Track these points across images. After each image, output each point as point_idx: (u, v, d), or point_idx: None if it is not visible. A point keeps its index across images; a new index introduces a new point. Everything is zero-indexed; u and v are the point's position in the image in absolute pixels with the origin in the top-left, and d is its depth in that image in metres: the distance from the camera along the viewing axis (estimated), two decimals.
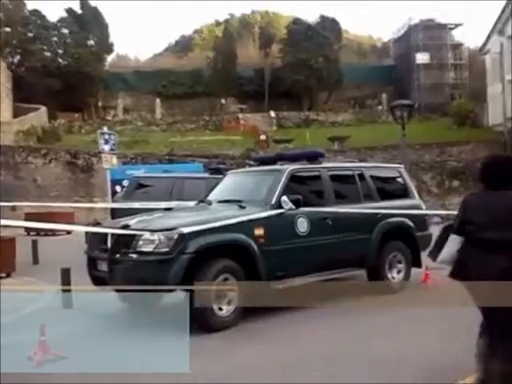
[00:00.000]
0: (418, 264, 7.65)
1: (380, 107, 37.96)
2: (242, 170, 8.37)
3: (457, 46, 41.21)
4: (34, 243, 10.77)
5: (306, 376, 4.18)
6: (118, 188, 16.31)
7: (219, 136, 30.69)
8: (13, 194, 18.87)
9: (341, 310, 6.31)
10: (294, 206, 6.09)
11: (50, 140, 28.79)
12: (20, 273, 9.27)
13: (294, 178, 6.51)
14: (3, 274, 9.11)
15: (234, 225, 5.65)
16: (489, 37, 33.83)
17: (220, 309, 5.51)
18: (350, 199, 7.10)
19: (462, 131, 29.61)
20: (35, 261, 10.51)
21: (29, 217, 15.76)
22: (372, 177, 7.49)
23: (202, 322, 5.37)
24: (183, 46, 56.28)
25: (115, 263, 5.48)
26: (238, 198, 6.41)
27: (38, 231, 15.85)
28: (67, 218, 16.64)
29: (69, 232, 15.68)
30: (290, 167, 6.62)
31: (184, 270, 5.26)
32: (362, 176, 7.37)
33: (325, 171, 6.92)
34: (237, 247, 5.71)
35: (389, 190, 7.83)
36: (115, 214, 10.01)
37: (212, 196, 7.09)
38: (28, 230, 15.89)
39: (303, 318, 5.90)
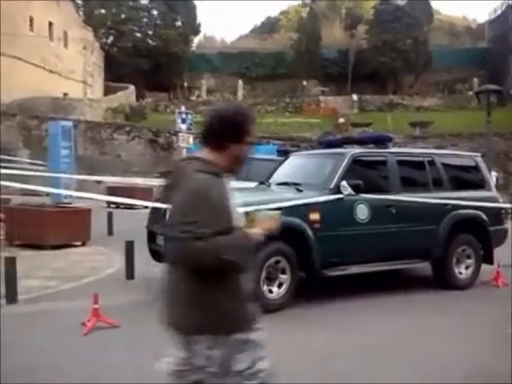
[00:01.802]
0: (489, 260, 7.15)
1: (470, 92, 35.75)
2: (305, 152, 8.20)
3: None
4: (110, 215, 11.29)
5: (340, 366, 4.04)
6: None
7: (298, 118, 30.45)
8: (98, 168, 19.93)
9: (398, 302, 6.05)
10: (353, 192, 5.87)
11: (136, 118, 30.04)
12: (95, 242, 9.77)
13: (356, 163, 6.26)
14: (79, 243, 9.66)
15: (287, 208, 5.54)
16: None
17: (270, 291, 5.47)
18: (417, 187, 6.74)
19: None
20: (110, 232, 11.03)
21: (110, 190, 16.56)
22: (444, 164, 7.04)
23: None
24: (269, 27, 56.08)
25: (168, 239, 5.57)
26: (297, 181, 6.28)
27: (118, 204, 16.59)
28: (146, 193, 17.29)
29: (146, 207, 16.28)
30: (352, 151, 6.37)
31: None
32: (432, 163, 6.95)
33: (391, 156, 6.59)
34: (290, 231, 5.59)
35: (462, 179, 7.33)
36: None
37: (273, 178, 7.02)
38: (109, 202, 16.68)
39: (354, 308, 5.73)
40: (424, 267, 7.08)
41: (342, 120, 28.06)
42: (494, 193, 7.53)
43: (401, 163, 6.65)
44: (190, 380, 2.08)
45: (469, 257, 6.98)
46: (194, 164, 2.09)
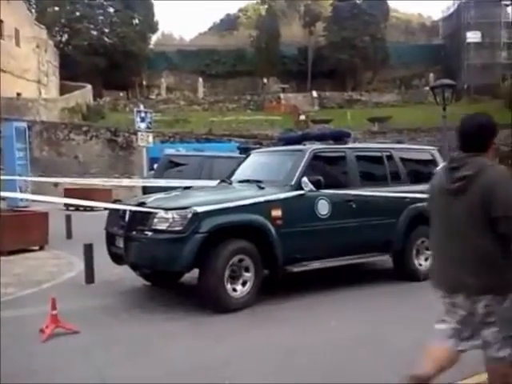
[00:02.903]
0: None
1: (427, 88, 36.65)
2: (266, 149, 8.20)
3: (510, 24, 39.07)
4: (68, 218, 11.01)
5: (315, 361, 4.06)
6: (156, 166, 16.46)
7: (259, 116, 30.51)
8: (55, 169, 19.41)
9: (361, 296, 6.13)
10: (314, 188, 5.90)
11: (94, 118, 29.43)
12: (53, 246, 9.50)
13: (316, 159, 6.30)
14: (36, 247, 9.37)
15: (250, 205, 5.53)
16: None
17: (234, 290, 5.44)
18: (376, 182, 6.84)
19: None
20: (68, 235, 10.76)
21: (67, 192, 16.17)
22: (402, 159, 7.18)
23: (214, 302, 5.32)
24: (228, 24, 55.97)
25: (131, 240, 5.49)
26: (258, 178, 6.28)
27: (77, 206, 16.22)
28: (105, 194, 16.96)
29: (106, 208, 15.97)
30: (312, 147, 6.41)
31: (197, 250, 5.20)
32: (390, 158, 7.06)
33: (350, 152, 6.67)
34: (253, 228, 5.59)
35: (419, 173, 7.47)
36: (146, 192, 10.09)
37: (235, 176, 6.99)
38: (67, 205, 16.28)
39: (318, 302, 5.77)
40: (385, 260, 7.21)
41: (302, 117, 28.28)
42: None
43: (360, 158, 6.73)
44: (468, 336, 2.72)
45: (428, 248, 7.13)
46: (480, 160, 2.65)
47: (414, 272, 6.95)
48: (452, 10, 39.95)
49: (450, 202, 2.77)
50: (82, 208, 16.65)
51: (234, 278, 5.46)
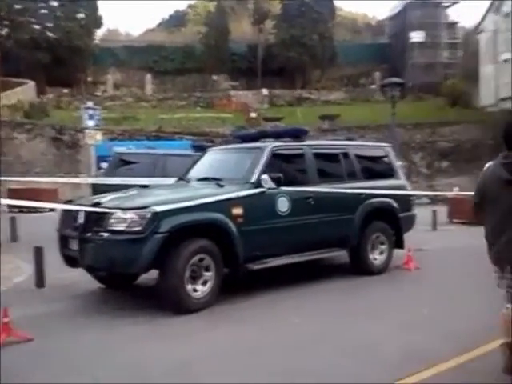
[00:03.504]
0: (400, 245, 7.54)
1: (373, 86, 37.60)
2: (223, 147, 8.12)
3: (451, 25, 40.68)
4: (13, 220, 10.53)
5: (279, 359, 4.03)
6: (104, 165, 16.04)
7: (210, 113, 30.31)
8: None
9: (320, 291, 6.18)
10: (274, 185, 5.89)
11: (37, 115, 28.26)
12: None
13: (275, 156, 6.29)
14: None
15: (210, 204, 5.45)
16: (485, 15, 33.42)
17: (195, 290, 5.35)
18: (333, 178, 6.91)
19: (454, 111, 29.39)
20: (13, 238, 10.28)
21: (12, 193, 15.46)
22: (357, 156, 7.29)
23: (175, 303, 5.21)
24: (177, 21, 55.21)
25: (86, 242, 5.28)
26: (217, 176, 6.20)
27: (21, 208, 15.54)
28: (51, 194, 16.33)
29: (52, 209, 15.40)
30: (271, 144, 6.39)
31: (157, 250, 5.07)
32: (346, 155, 7.16)
33: (308, 149, 6.70)
34: (213, 227, 5.51)
35: (374, 169, 7.63)
36: (96, 191, 9.78)
37: (191, 174, 6.88)
38: (10, 206, 15.56)
39: (279, 299, 5.77)
40: (340, 255, 7.31)
41: (253, 115, 28.32)
42: (403, 181, 7.92)
43: (317, 156, 6.78)
44: None
45: (382, 243, 7.29)
46: None
47: (369, 266, 7.09)
48: (398, 9, 41.07)
49: (509, 190, 3.32)
50: (25, 209, 15.97)
51: (194, 278, 5.36)
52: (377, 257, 7.21)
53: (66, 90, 37.83)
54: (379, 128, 24.61)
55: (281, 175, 5.95)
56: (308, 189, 6.31)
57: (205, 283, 5.43)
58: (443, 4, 40.20)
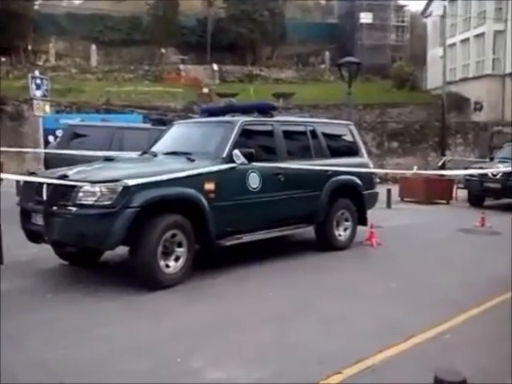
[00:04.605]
0: (363, 222, 7.70)
1: (323, 66, 37.84)
2: (191, 120, 7.93)
3: (399, 8, 41.38)
4: None
5: (256, 333, 4.03)
6: (50, 138, 15.39)
7: (159, 87, 29.49)
8: None
9: (289, 266, 6.23)
10: (246, 161, 5.82)
11: None
12: None
13: (245, 131, 6.21)
14: None
15: (182, 179, 5.32)
16: (431, 0, 34.25)
17: (167, 266, 5.24)
18: (301, 155, 6.92)
19: (401, 93, 30.12)
20: None
21: None
22: (324, 133, 7.33)
23: (147, 279, 5.09)
24: None
25: (52, 216, 5.03)
26: (186, 151, 6.04)
27: None
28: None
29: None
30: (242, 119, 6.29)
31: (128, 225, 4.91)
32: (314, 132, 7.18)
33: (277, 125, 6.66)
34: (186, 202, 5.40)
35: (339, 147, 7.71)
36: (49, 165, 9.35)
37: (157, 147, 6.68)
38: None
39: (251, 275, 5.77)
40: (305, 231, 7.39)
41: (205, 90, 27.82)
42: (366, 159, 8.05)
43: (286, 132, 6.75)
44: None
45: (347, 219, 7.43)
46: None
47: (334, 242, 7.22)
48: None
49: None
50: None
51: (166, 254, 5.25)
52: (341, 233, 7.34)
53: (3, 59, 35.68)
54: (329, 107, 24.88)
55: (252, 150, 5.89)
56: (280, 165, 6.29)
57: (177, 259, 5.34)
58: None
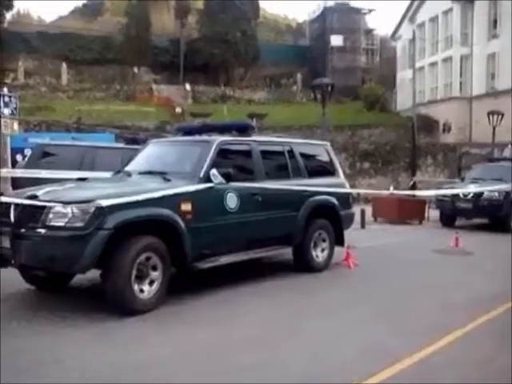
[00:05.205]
0: (341, 242, 7.62)
1: (295, 87, 38.26)
2: (167, 139, 7.77)
3: (369, 31, 42.39)
4: None
5: (235, 360, 3.85)
6: (18, 157, 15.01)
7: (131, 106, 29.23)
8: None
9: (267, 289, 6.08)
10: (224, 180, 5.69)
11: None
12: None
13: (223, 151, 6.08)
14: None
15: (158, 199, 5.14)
16: (400, 24, 35.18)
17: (141, 290, 5.02)
18: (279, 175, 6.82)
19: (371, 115, 30.63)
20: None
21: None
22: (301, 153, 7.27)
23: (120, 305, 4.86)
24: (92, 9, 52.84)
25: (20, 239, 4.77)
26: (161, 170, 5.88)
27: None
28: None
29: None
30: (219, 138, 6.17)
31: (101, 248, 4.69)
32: (291, 152, 7.12)
33: (255, 145, 6.56)
34: (161, 223, 5.21)
35: (316, 167, 7.67)
36: (17, 184, 9.01)
37: (131, 167, 6.48)
38: None
39: (228, 299, 5.58)
40: (282, 253, 7.26)
41: (178, 110, 27.69)
42: (342, 179, 8.02)
43: (264, 152, 6.66)
44: None
45: (324, 240, 7.34)
46: None
47: (312, 263, 7.12)
48: (318, 13, 42.08)
49: None
50: None
51: (140, 278, 5.04)
52: (319, 254, 7.24)
53: None
54: (303, 128, 25.04)
55: (230, 170, 5.76)
56: (258, 185, 6.18)
57: (152, 283, 5.13)
58: (361, 11, 41.76)
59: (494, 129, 20.19)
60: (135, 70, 37.46)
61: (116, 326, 4.60)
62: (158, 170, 5.90)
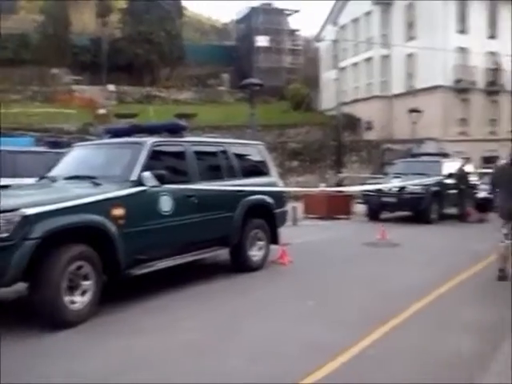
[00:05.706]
0: (275, 241, 7.67)
1: (222, 87, 38.23)
2: (93, 142, 7.44)
3: (293, 32, 43.17)
4: None
5: (177, 368, 3.74)
6: None
7: (51, 109, 27.91)
8: None
9: (204, 292, 5.98)
10: (158, 183, 5.51)
11: None
12: None
13: (155, 152, 5.89)
14: None
15: (88, 204, 4.89)
16: (323, 26, 36.12)
17: (73, 302, 4.76)
18: (213, 176, 6.74)
19: (297, 114, 31.23)
20: None
21: None
22: (234, 154, 7.23)
23: (51, 317, 4.58)
24: (6, 7, 49.95)
25: None
26: (91, 174, 5.60)
27: None
28: None
29: None
30: (151, 140, 5.98)
31: (27, 259, 4.39)
32: (225, 152, 7.05)
33: (189, 146, 6.43)
34: (92, 230, 4.96)
35: (250, 167, 7.65)
36: None
37: (56, 172, 6.14)
38: None
39: (165, 304, 5.43)
40: (219, 254, 7.19)
41: (102, 111, 26.79)
42: (275, 178, 8.06)
43: (198, 153, 6.54)
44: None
45: (260, 239, 7.34)
46: None
47: (248, 263, 7.11)
48: (243, 14, 42.29)
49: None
50: None
51: (71, 289, 4.77)
52: (256, 253, 7.23)
53: None
54: (230, 128, 25.03)
55: (164, 172, 5.60)
56: (193, 186, 6.05)
57: (84, 293, 4.87)
58: (285, 12, 42.45)
59: (413, 125, 21.18)
60: (54, 70, 35.82)
61: (47, 341, 4.33)
62: (87, 175, 5.63)
